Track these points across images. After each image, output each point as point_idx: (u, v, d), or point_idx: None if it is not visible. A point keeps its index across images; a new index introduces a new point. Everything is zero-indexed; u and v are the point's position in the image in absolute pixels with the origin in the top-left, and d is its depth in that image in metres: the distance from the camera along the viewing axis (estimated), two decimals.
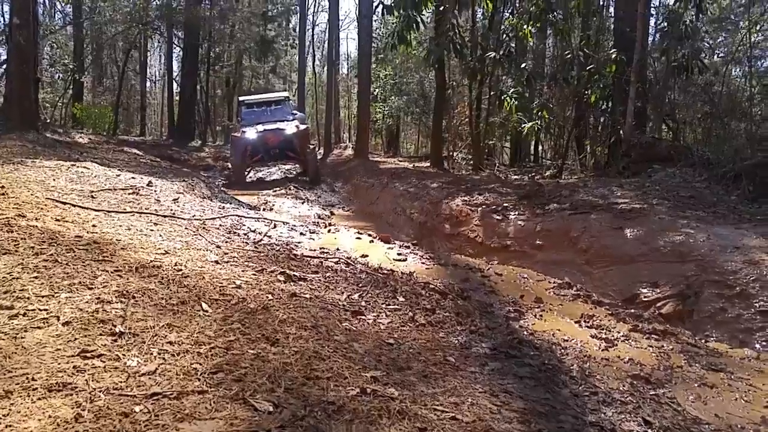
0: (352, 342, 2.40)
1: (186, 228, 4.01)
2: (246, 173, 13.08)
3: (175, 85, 25.45)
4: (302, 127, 13.25)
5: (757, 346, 3.45)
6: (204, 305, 2.40)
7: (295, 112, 14.20)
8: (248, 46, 26.20)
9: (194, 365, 1.82)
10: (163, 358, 1.84)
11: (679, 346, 3.13)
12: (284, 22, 32.73)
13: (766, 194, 6.22)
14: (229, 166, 14.21)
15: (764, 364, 3.10)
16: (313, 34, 37.04)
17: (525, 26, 10.77)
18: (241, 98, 14.98)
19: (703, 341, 3.45)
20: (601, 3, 12.49)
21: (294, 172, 14.48)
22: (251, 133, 12.37)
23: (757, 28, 12.50)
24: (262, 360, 1.95)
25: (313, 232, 4.95)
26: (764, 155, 7.44)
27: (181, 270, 2.85)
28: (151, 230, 3.69)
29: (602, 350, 2.90)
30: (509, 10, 14.00)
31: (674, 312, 4.10)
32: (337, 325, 2.59)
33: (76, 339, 1.88)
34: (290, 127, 12.63)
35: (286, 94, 14.77)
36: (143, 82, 27.86)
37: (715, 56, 14.98)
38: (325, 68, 32.01)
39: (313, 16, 36.65)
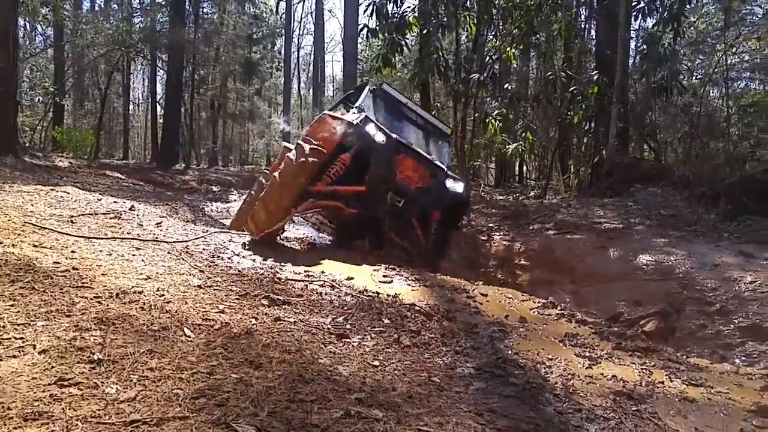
0: (337, 365, 2.39)
1: (169, 252, 3.98)
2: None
3: (159, 107, 25.43)
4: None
5: (737, 360, 3.49)
6: (186, 330, 2.38)
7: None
8: (233, 68, 26.34)
9: (175, 391, 1.80)
10: (144, 385, 1.82)
11: (661, 363, 3.16)
12: (269, 44, 33.04)
13: (743, 212, 6.35)
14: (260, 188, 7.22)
15: (743, 378, 3.13)
16: (298, 57, 37.47)
17: (508, 48, 10.99)
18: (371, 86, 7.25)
19: (684, 357, 3.47)
20: (583, 26, 12.81)
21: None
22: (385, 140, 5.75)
23: (733, 50, 12.88)
24: (245, 384, 1.93)
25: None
26: (741, 174, 7.62)
27: (163, 295, 2.82)
28: (133, 255, 3.65)
29: (586, 368, 2.91)
30: (493, 33, 14.27)
31: (656, 329, 4.14)
32: (322, 348, 2.57)
33: (52, 367, 1.85)
34: (459, 185, 6.39)
35: (449, 131, 7.90)
36: (126, 104, 27.78)
37: (694, 78, 15.37)
38: (311, 90, 32.32)
39: (298, 38, 37.15)
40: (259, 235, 5.13)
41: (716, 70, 12.91)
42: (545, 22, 11.16)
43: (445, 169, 6.45)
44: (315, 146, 5.27)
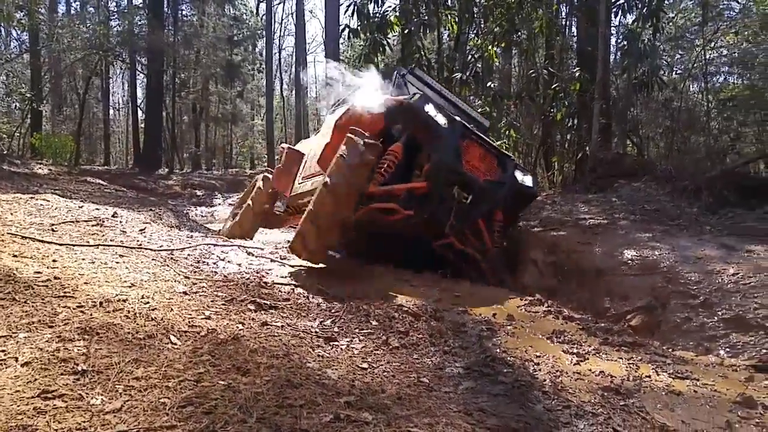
0: (325, 368, 2.38)
1: (153, 259, 3.93)
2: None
3: (139, 112, 25.16)
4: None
5: (721, 352, 3.54)
6: (172, 338, 2.35)
7: None
8: (214, 71, 26.15)
9: (162, 400, 1.78)
10: (130, 395, 1.79)
11: (648, 357, 3.19)
12: (251, 46, 32.88)
13: (724, 205, 6.44)
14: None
15: (728, 370, 3.17)
16: (280, 58, 37.32)
17: (490, 47, 11.04)
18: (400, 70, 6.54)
19: (670, 350, 3.51)
20: (564, 23, 12.90)
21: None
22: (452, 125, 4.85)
23: (711, 45, 13.08)
24: (233, 391, 1.92)
25: (284, 258, 4.91)
26: (722, 168, 7.73)
27: (148, 303, 2.79)
28: (117, 263, 3.60)
29: (574, 364, 2.92)
30: (474, 31, 14.32)
31: (642, 324, 4.17)
32: (310, 352, 2.56)
33: (36, 380, 1.81)
34: (529, 177, 5.48)
35: (488, 123, 7.41)
36: (106, 109, 27.44)
37: (674, 73, 15.59)
38: (294, 92, 32.19)
39: (279, 40, 36.99)
40: (313, 256, 4.24)
41: (696, 65, 13.11)
42: (526, 19, 11.23)
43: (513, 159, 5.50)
44: (369, 140, 4.25)
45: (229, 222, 7.56)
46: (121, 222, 5.26)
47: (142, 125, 23.64)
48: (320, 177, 4.93)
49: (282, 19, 38.55)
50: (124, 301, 2.73)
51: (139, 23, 21.05)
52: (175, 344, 2.28)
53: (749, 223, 5.73)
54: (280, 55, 37.20)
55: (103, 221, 5.08)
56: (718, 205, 6.47)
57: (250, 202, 7.18)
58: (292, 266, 4.51)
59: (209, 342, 2.37)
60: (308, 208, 4.27)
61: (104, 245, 4.04)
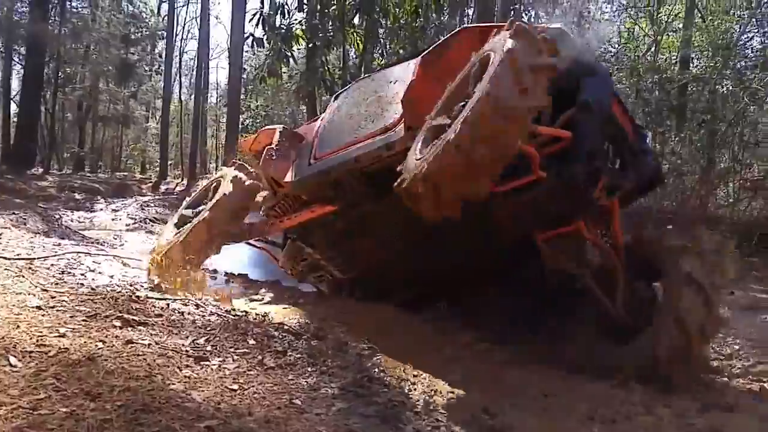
0: (191, 390, 2.24)
1: (6, 269, 3.53)
2: None
3: (13, 105, 22.86)
4: None
5: None
6: (12, 359, 2.10)
7: None
8: (106, 69, 24.50)
9: None
10: None
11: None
12: (149, 46, 31.29)
13: None
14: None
15: None
16: (180, 61, 35.76)
17: None
18: None
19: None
20: None
21: None
22: None
23: None
24: (75, 419, 1.74)
25: None
26: None
27: None
28: None
29: (449, 384, 3.00)
30: (379, 52, 14.63)
31: None
32: (176, 372, 2.40)
33: None
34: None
35: None
36: None
37: None
38: (193, 96, 30.92)
39: (181, 42, 35.43)
40: (443, 211, 2.74)
41: None
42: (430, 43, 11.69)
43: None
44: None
45: (166, 237, 4.92)
46: None
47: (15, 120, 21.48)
48: (362, 143, 3.73)
49: (185, 22, 37.06)
50: None
51: (20, 10, 19.27)
52: (15, 366, 2.04)
53: None
54: (181, 59, 35.64)
55: None
56: None
57: (207, 213, 4.62)
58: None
59: (58, 363, 2.14)
60: (449, 135, 2.58)
61: None
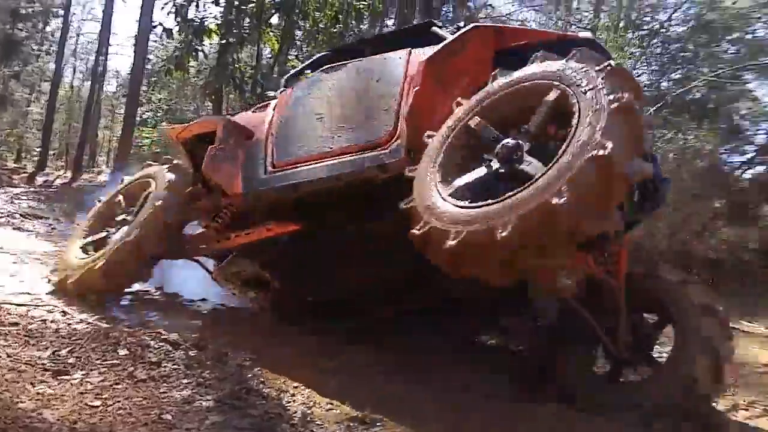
0: (44, 408, 2.08)
1: None
2: None
3: None
4: None
5: None
6: None
7: None
8: None
9: None
10: None
11: None
12: (41, 24, 28.75)
13: None
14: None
15: None
16: (76, 44, 33.26)
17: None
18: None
19: None
20: None
21: None
22: None
23: None
24: None
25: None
26: None
27: None
28: None
29: (329, 396, 2.99)
30: (295, 54, 14.44)
31: None
32: (28, 389, 2.21)
33: None
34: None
35: None
36: None
37: None
38: (87, 83, 28.83)
39: (79, 23, 32.96)
40: None
41: None
42: None
43: None
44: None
45: (74, 254, 4.02)
46: None
47: None
48: (343, 158, 3.24)
49: (86, 2, 34.52)
50: None
51: None
52: None
53: None
54: (77, 40, 33.11)
55: None
56: None
57: (137, 232, 3.74)
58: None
59: None
60: (522, 211, 2.07)
61: None
